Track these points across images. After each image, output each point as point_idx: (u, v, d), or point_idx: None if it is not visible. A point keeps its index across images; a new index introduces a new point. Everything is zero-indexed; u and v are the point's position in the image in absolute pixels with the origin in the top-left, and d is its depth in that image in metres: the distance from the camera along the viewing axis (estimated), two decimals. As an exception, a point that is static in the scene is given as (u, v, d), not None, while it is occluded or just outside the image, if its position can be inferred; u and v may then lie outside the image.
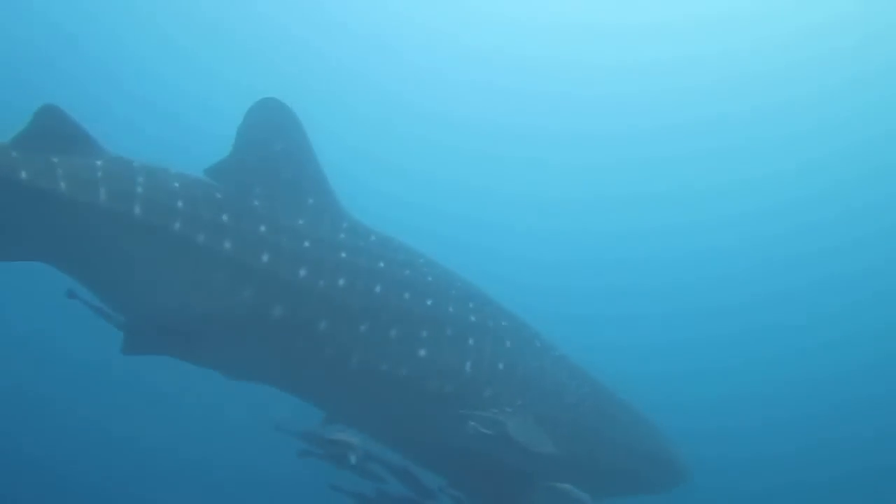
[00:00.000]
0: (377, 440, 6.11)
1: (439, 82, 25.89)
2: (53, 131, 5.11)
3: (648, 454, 6.61)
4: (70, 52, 22.88)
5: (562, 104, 25.30)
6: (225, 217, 5.37)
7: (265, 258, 5.37)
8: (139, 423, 13.22)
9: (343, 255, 5.63)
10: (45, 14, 22.94)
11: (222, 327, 5.34)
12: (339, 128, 21.11)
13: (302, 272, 5.43)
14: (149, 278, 5.31)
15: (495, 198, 24.27)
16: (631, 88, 24.98)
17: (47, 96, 5.43)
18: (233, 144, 5.61)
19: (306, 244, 5.53)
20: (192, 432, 13.53)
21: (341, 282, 5.52)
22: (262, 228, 5.45)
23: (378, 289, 5.63)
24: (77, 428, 13.36)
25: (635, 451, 6.52)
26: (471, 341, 5.86)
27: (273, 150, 5.65)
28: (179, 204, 5.28)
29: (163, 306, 5.31)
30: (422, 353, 5.67)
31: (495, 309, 6.24)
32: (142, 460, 13.14)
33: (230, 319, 5.34)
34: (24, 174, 4.96)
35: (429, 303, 5.79)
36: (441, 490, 6.12)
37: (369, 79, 25.44)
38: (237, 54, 24.52)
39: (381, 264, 5.74)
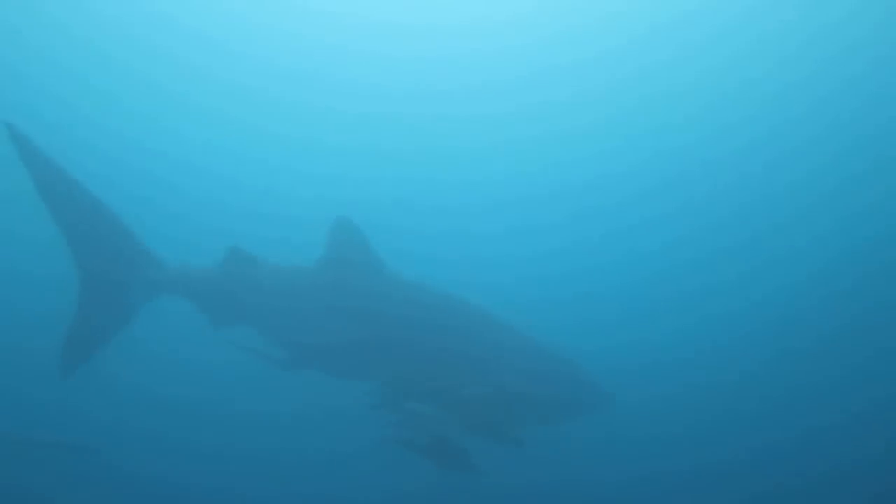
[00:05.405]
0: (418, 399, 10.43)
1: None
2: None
3: (572, 397, 9.90)
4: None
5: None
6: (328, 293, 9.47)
7: (353, 310, 9.50)
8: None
9: (391, 305, 9.50)
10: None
11: (333, 351, 9.58)
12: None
13: (371, 318, 9.37)
14: (291, 330, 9.40)
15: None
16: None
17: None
18: (325, 247, 9.50)
19: (371, 303, 9.66)
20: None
21: (392, 320, 9.43)
22: (352, 300, 9.43)
23: (412, 322, 9.49)
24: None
25: (564, 400, 9.80)
26: (461, 343, 9.68)
27: (347, 248, 9.50)
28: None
29: (302, 344, 9.47)
30: (436, 354, 9.66)
31: (479, 314, 9.88)
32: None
33: (338, 347, 9.46)
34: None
35: (441, 322, 9.89)
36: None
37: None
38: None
39: (414, 308, 9.57)
